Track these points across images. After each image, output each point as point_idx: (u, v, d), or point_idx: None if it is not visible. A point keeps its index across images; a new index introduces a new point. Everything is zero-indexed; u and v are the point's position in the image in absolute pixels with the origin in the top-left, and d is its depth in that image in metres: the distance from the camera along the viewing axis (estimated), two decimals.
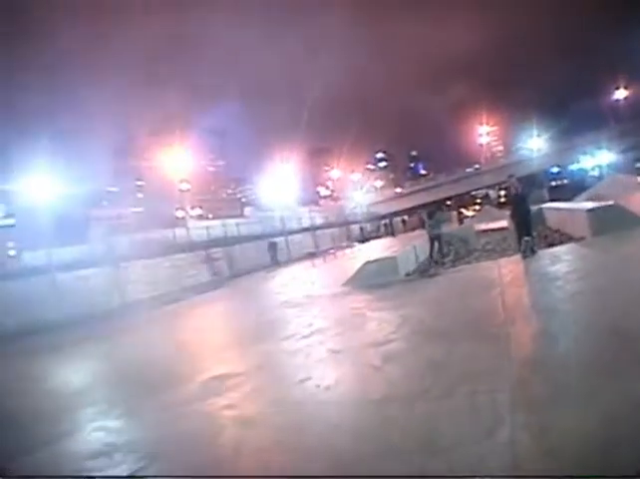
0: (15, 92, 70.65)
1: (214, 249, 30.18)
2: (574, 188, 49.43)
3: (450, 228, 34.96)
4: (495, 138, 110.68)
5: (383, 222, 61.89)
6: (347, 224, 53.64)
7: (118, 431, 5.32)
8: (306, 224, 48.06)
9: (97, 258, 23.60)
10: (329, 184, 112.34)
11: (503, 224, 18.80)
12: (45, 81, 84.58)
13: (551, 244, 14.10)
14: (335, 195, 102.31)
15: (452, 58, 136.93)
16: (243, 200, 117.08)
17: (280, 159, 62.88)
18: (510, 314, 7.08)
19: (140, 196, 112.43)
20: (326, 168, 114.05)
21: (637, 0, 75.65)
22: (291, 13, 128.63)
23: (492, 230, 22.27)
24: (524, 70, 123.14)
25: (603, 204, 13.50)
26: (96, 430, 5.42)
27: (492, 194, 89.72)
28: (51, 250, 16.16)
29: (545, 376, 4.57)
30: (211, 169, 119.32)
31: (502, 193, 77.10)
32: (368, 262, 14.62)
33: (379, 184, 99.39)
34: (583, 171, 66.55)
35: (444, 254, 17.37)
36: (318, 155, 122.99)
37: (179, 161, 68.30)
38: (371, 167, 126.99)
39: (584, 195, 29.13)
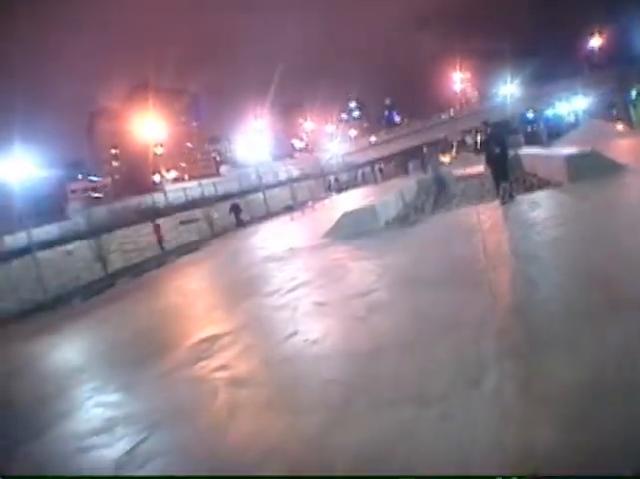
0: None
1: (194, 210, 29.91)
2: (550, 133, 49.53)
3: (427, 173, 34.99)
4: (469, 84, 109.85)
5: (360, 170, 61.57)
6: (323, 174, 53.35)
7: (115, 406, 5.28)
8: (283, 177, 47.89)
9: (77, 232, 23.39)
10: (303, 136, 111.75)
11: (481, 169, 18.78)
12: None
13: (530, 189, 14.14)
14: (310, 146, 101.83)
15: (423, 3, 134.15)
16: (219, 158, 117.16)
17: (254, 115, 61.99)
18: (492, 261, 7.15)
19: (115, 163, 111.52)
20: (300, 120, 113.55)
21: None
22: None
23: (470, 175, 22.24)
24: (498, 14, 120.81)
25: (581, 150, 13.51)
26: (94, 407, 5.39)
27: (468, 139, 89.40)
28: (31, 231, 15.77)
29: (529, 324, 4.64)
30: (185, 130, 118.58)
31: (478, 138, 76.87)
32: (346, 213, 14.59)
33: (353, 133, 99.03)
34: (559, 117, 66.44)
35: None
36: (291, 109, 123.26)
37: (152, 125, 67.07)
38: (344, 117, 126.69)
39: (563, 139, 29.19)
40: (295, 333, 6.04)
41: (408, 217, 15.34)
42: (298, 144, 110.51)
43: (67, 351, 8.59)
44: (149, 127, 66.62)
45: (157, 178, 78.98)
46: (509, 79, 70.51)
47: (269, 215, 31.45)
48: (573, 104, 64.53)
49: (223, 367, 5.52)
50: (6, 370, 7.49)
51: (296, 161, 73.84)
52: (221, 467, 3.52)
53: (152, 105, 70.80)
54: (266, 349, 5.84)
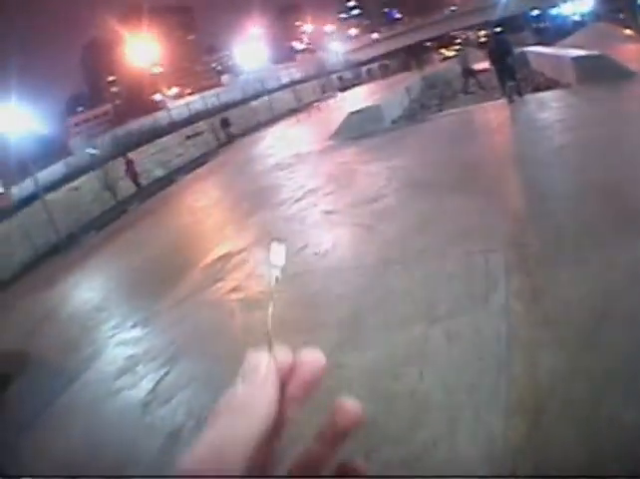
0: None
1: (198, 123, 29.31)
2: (556, 32, 47.14)
3: (432, 69, 33.74)
4: None
5: (366, 68, 59.59)
6: (327, 74, 51.70)
7: (136, 342, 5.26)
8: (285, 80, 46.63)
9: (83, 166, 23.10)
10: (304, 38, 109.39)
11: (486, 65, 17.97)
12: None
13: (537, 89, 13.76)
14: (311, 47, 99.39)
15: None
16: (219, 68, 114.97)
17: (251, 22, 59.95)
18: (500, 166, 7.07)
19: (114, 89, 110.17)
20: (297, 23, 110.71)
21: None
22: None
23: (477, 71, 21.38)
24: None
25: (591, 52, 12.80)
26: (116, 346, 5.37)
27: (472, 35, 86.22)
28: (36, 176, 15.45)
29: (537, 236, 4.59)
30: (181, 45, 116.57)
31: (482, 33, 74.09)
32: (352, 113, 14.31)
33: (354, 31, 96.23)
34: (564, 16, 62.83)
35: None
36: (287, 12, 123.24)
37: (148, 46, 65.22)
38: (344, 16, 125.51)
39: (569, 39, 27.91)
40: (305, 246, 6.06)
41: (414, 115, 14.95)
42: (298, 46, 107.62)
43: (85, 291, 8.42)
44: (144, 49, 65.03)
45: (158, 97, 77.46)
46: None
47: (275, 119, 30.72)
48: (577, 5, 60.73)
49: (237, 289, 5.55)
50: (32, 320, 7.48)
51: (298, 63, 71.55)
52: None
53: (145, 26, 68.96)
54: None
